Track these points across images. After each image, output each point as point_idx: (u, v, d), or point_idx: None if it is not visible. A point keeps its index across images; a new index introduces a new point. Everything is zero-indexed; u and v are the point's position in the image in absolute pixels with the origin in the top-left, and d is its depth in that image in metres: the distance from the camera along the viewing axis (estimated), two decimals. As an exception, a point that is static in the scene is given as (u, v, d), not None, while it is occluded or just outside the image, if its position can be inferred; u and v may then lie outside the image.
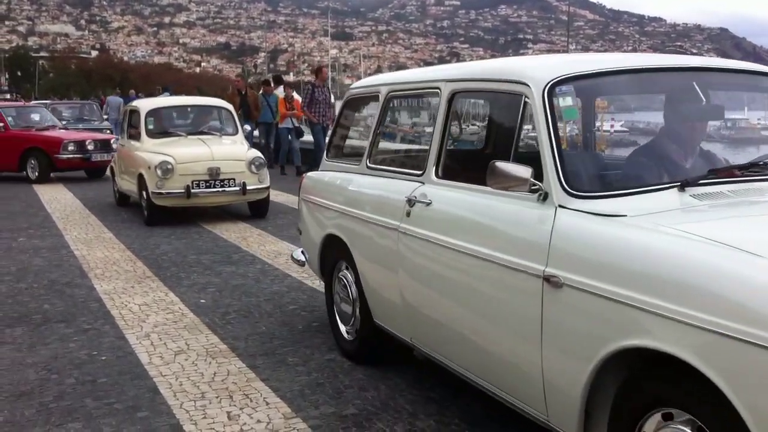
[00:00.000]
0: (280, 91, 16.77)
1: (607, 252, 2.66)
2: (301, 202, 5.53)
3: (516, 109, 3.29)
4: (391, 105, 4.81)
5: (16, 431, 3.86)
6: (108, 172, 13.25)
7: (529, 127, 3.29)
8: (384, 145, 5.10)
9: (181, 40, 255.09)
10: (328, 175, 5.19)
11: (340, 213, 4.75)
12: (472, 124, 5.01)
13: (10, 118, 16.64)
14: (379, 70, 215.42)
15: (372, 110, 4.91)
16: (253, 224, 10.06)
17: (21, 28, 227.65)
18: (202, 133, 11.15)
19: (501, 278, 3.15)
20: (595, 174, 3.32)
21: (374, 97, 4.86)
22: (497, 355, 3.27)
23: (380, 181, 4.46)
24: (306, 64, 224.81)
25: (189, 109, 12.35)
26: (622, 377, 2.66)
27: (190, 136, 10.91)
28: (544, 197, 3.03)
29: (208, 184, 10.01)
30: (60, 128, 17.57)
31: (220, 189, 10.07)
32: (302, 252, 5.59)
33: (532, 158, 3.14)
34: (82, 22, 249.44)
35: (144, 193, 10.10)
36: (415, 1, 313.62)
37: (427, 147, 4.08)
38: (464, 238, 3.43)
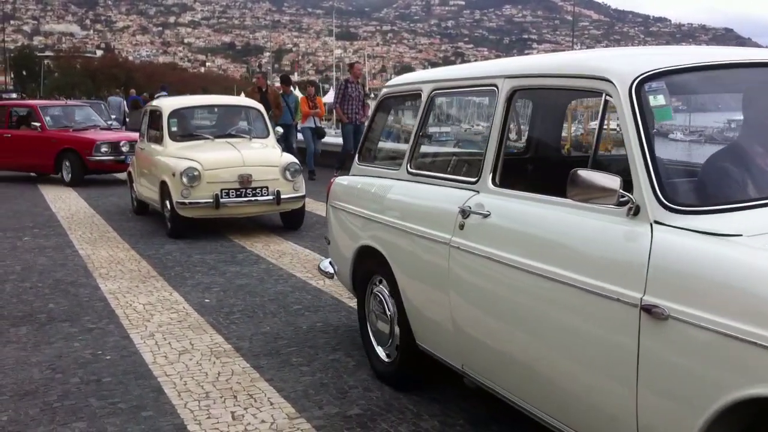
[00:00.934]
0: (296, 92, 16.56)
1: (727, 280, 2.25)
2: (329, 210, 5.09)
3: (594, 109, 3.02)
4: (436, 104, 4.40)
5: (21, 430, 3.86)
6: (125, 176, 12.27)
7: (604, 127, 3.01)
8: (428, 148, 4.69)
9: (186, 40, 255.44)
10: (362, 180, 4.75)
11: (377, 222, 4.31)
12: (536, 126, 4.56)
13: (48, 118, 15.91)
14: (383, 71, 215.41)
15: (412, 110, 4.66)
16: (271, 229, 10.06)
17: (26, 28, 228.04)
18: (230, 135, 10.13)
19: (582, 305, 2.74)
20: (696, 185, 2.85)
21: (414, 96, 4.46)
22: (576, 394, 2.85)
23: (425, 189, 4.05)
24: (311, 64, 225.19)
25: (216, 109, 11.48)
26: None
27: (217, 140, 9.86)
28: (636, 211, 2.63)
29: (238, 192, 8.98)
30: (102, 128, 16.51)
31: (252, 198, 9.04)
32: (330, 263, 5.17)
33: (615, 166, 2.85)
34: (87, 21, 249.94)
35: (167, 202, 9.12)
36: (420, 1, 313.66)
37: (481, 151, 3.67)
38: (532, 257, 3.01)
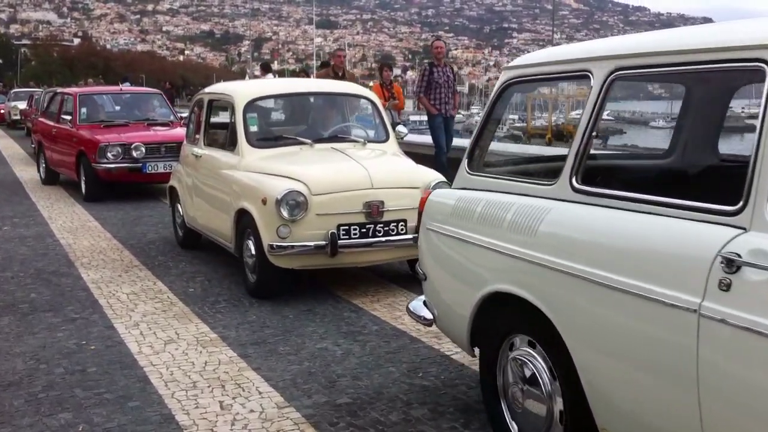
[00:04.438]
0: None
1: None
2: (425, 233, 3.81)
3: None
4: (617, 90, 3.12)
5: (5, 421, 3.81)
6: (167, 196, 8.62)
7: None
8: (607, 154, 3.66)
9: (164, 28, 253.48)
10: (482, 197, 3.43)
11: (527, 262, 3.01)
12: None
13: (84, 109, 12.27)
14: (364, 59, 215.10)
15: (567, 99, 3.90)
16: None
17: (2, 16, 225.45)
18: (336, 139, 6.91)
19: None
20: None
21: (576, 77, 3.25)
22: None
23: (626, 218, 2.69)
24: (291, 53, 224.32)
25: (311, 99, 7.75)
26: None
27: (318, 145, 6.68)
28: None
29: (364, 230, 5.84)
30: (155, 125, 12.36)
31: (384, 239, 5.88)
32: (426, 304, 3.91)
33: None
34: (64, 9, 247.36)
35: (249, 243, 6.02)
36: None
37: (745, 162, 2.33)
38: None
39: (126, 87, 16.84)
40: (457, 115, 14.06)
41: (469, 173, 3.69)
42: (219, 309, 5.70)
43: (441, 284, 3.77)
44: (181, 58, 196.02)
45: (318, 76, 12.02)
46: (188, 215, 7.55)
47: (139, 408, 3.93)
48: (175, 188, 7.93)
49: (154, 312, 5.63)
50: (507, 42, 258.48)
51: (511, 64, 3.63)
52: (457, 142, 11.54)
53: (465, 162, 3.74)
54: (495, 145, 4.06)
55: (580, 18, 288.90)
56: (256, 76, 23.70)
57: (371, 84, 12.94)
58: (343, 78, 10.89)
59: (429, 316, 3.86)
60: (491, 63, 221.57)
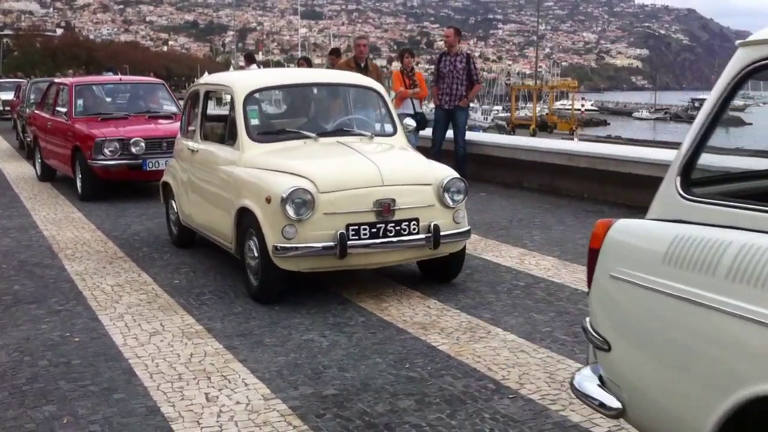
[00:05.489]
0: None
1: None
2: (608, 283, 2.73)
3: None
4: None
5: (-11, 415, 3.78)
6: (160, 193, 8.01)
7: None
8: None
9: (147, 18, 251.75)
10: (726, 237, 2.29)
11: None
12: None
13: (80, 101, 11.39)
14: (348, 50, 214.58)
15: None
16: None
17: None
18: (341, 132, 6.50)
19: None
20: None
21: None
22: None
23: None
24: (275, 44, 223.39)
25: (315, 90, 7.28)
26: None
27: (322, 139, 6.27)
28: None
29: (375, 229, 5.47)
30: (158, 117, 11.44)
31: (395, 239, 5.52)
32: (603, 381, 2.76)
33: None
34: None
35: (251, 244, 5.67)
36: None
37: None
38: None
39: (110, 77, 16.39)
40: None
41: (687, 198, 2.54)
42: (204, 300, 5.68)
43: (643, 365, 2.57)
44: (165, 48, 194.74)
45: (337, 67, 10.83)
46: (183, 213, 7.16)
47: (124, 400, 3.92)
48: (169, 184, 7.53)
49: (138, 304, 5.60)
50: (492, 33, 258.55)
51: (755, 37, 2.49)
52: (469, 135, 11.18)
53: (676, 180, 2.60)
54: (729, 156, 3.03)
55: (565, 9, 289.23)
56: (241, 67, 23.59)
57: (390, 70, 12.07)
58: (365, 70, 10.06)
59: (613, 403, 2.68)
60: (476, 54, 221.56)
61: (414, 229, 5.55)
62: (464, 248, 6.03)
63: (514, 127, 54.56)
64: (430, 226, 5.54)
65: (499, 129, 50.05)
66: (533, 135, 44.06)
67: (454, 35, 11.19)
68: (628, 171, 8.99)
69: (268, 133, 6.53)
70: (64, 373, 4.30)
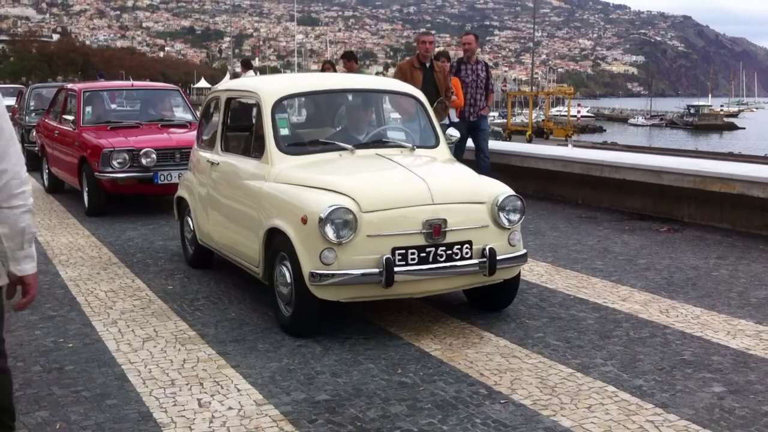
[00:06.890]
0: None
1: None
2: None
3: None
4: None
5: (-19, 420, 3.78)
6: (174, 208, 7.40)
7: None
8: None
9: (144, 24, 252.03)
10: None
11: None
12: None
13: (89, 108, 10.62)
14: (347, 56, 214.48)
15: None
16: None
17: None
18: (379, 144, 5.87)
19: None
20: None
21: None
22: None
23: None
24: (272, 50, 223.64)
25: (349, 97, 6.55)
26: None
27: (359, 151, 5.66)
28: None
29: (424, 254, 4.82)
30: (162, 126, 10.56)
31: (447, 264, 4.88)
32: None
33: None
34: (43, 5, 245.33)
35: (283, 269, 5.04)
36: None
37: None
38: None
39: (102, 82, 16.05)
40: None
41: None
42: (198, 306, 5.68)
43: None
44: (162, 54, 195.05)
45: (399, 69, 9.59)
46: (201, 231, 6.52)
47: (116, 406, 3.92)
48: (185, 199, 6.90)
49: (132, 309, 5.61)
50: (488, 39, 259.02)
51: None
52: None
53: None
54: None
55: (561, 16, 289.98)
56: (236, 73, 23.61)
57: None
58: (431, 71, 9.24)
59: None
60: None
61: (467, 253, 4.92)
62: (519, 274, 5.44)
63: (510, 133, 54.58)
64: (484, 249, 4.93)
65: (495, 135, 50.14)
66: (529, 141, 44.11)
67: (475, 42, 10.51)
68: (622, 177, 9.03)
69: (298, 144, 5.87)
70: (57, 378, 4.30)
